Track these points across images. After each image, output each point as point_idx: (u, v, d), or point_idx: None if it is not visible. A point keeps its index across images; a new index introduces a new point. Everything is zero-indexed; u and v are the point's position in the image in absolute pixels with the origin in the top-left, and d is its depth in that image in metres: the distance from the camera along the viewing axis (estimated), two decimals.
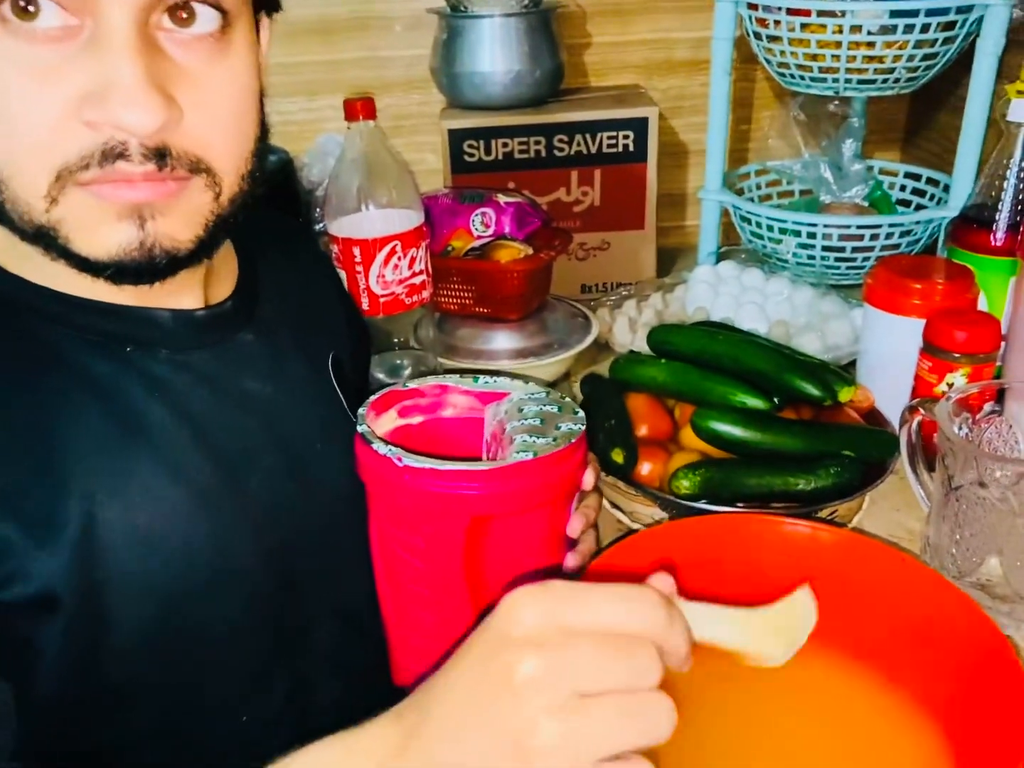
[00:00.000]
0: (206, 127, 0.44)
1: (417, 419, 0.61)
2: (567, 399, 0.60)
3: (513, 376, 0.63)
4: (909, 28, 0.95)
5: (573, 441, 0.53)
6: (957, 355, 0.74)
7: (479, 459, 0.60)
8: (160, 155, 0.42)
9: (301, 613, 0.56)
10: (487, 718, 0.34)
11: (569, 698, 0.33)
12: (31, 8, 0.38)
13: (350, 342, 0.71)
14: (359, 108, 0.80)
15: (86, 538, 0.45)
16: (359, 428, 0.54)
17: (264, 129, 0.51)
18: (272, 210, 0.66)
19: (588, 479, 0.56)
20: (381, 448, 0.51)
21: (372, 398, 0.58)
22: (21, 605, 0.43)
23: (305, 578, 0.56)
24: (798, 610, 0.47)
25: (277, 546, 0.54)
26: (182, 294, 0.52)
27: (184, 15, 0.42)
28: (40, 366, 0.46)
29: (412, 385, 0.60)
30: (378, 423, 0.58)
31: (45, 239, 0.43)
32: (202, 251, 0.47)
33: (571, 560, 0.57)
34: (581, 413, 0.57)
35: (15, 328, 0.47)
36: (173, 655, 0.49)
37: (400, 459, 0.49)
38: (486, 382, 0.61)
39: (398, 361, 0.91)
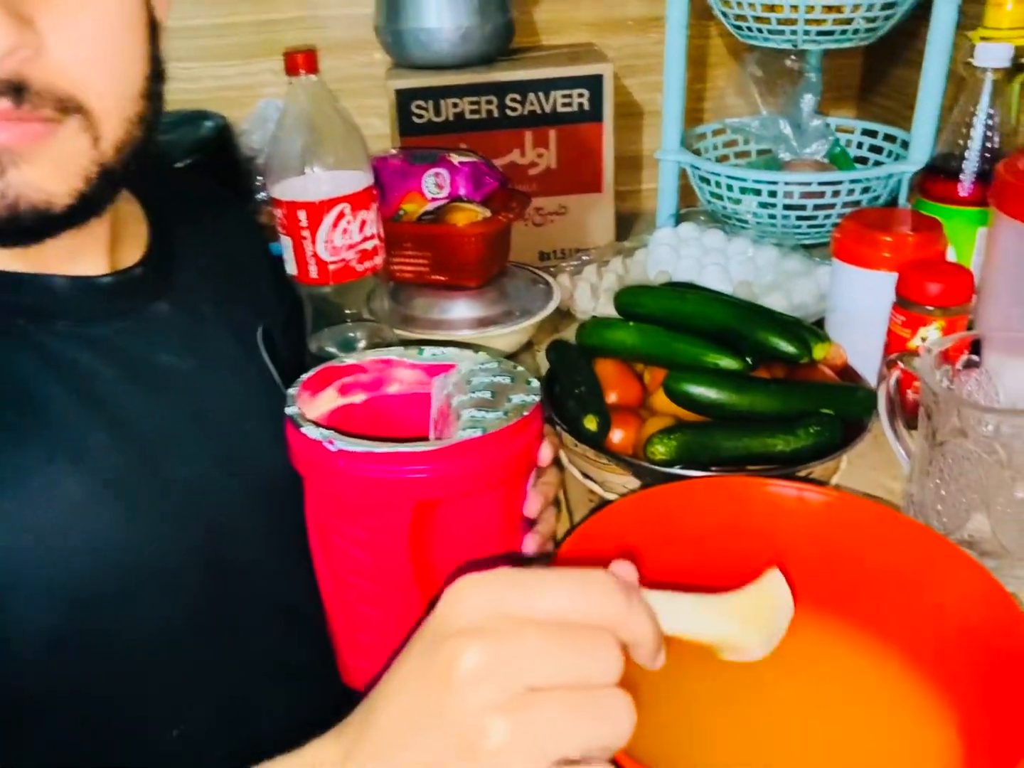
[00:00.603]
0: (75, 58, 0.38)
1: (359, 397, 0.56)
2: (520, 368, 0.56)
3: (463, 346, 0.59)
4: None
5: (526, 414, 0.49)
6: (931, 308, 0.73)
7: (426, 438, 0.56)
8: (16, 89, 0.37)
9: (235, 613, 0.51)
10: (431, 721, 0.31)
11: (517, 692, 0.30)
12: None
13: (281, 314, 0.66)
14: (300, 61, 0.74)
15: None
16: (287, 410, 0.48)
17: (157, 68, 0.44)
18: (203, 177, 0.61)
19: (545, 454, 0.52)
20: (311, 432, 0.46)
21: (305, 376, 0.53)
22: None
23: (237, 574, 0.51)
24: (772, 596, 0.45)
25: (202, 538, 0.49)
26: (82, 258, 0.47)
27: None
28: None
29: (351, 360, 0.56)
30: (314, 404, 0.53)
31: None
32: (86, 208, 0.42)
33: (530, 543, 0.53)
34: (535, 383, 0.53)
35: None
36: (88, 665, 0.44)
37: (332, 442, 0.44)
38: (433, 354, 0.57)
39: (351, 334, 0.86)
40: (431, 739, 0.31)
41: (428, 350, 0.57)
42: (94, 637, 0.44)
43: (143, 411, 0.47)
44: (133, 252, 0.51)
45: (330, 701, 0.55)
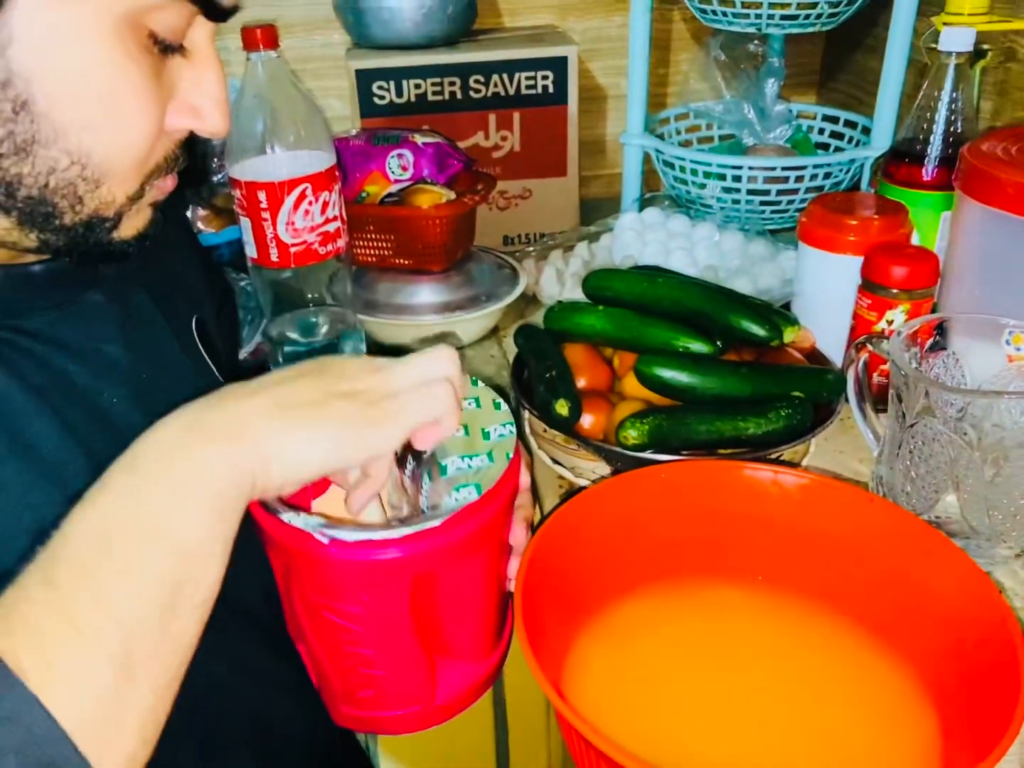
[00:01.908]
0: None
1: None
2: (479, 384, 0.54)
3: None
4: None
5: (512, 456, 0.48)
6: (896, 291, 0.73)
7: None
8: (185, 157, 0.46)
9: None
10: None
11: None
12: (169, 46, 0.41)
13: (212, 304, 0.65)
14: (259, 37, 0.72)
15: None
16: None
17: None
18: None
19: (525, 478, 0.52)
20: (295, 520, 0.43)
21: None
22: None
23: None
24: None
25: None
26: (13, 251, 0.45)
27: None
28: None
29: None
30: None
31: (92, 230, 0.42)
32: None
33: (512, 566, 0.51)
34: (503, 404, 0.52)
35: None
36: None
37: (323, 533, 0.42)
38: None
39: (313, 319, 0.84)
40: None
41: None
42: None
43: (87, 399, 0.46)
44: None
45: (293, 699, 0.53)
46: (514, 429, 0.49)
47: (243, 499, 0.38)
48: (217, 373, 0.58)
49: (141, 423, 0.47)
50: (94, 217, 0.42)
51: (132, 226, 0.45)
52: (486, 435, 0.49)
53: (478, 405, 0.52)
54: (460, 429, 0.50)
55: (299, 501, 0.47)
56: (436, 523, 0.43)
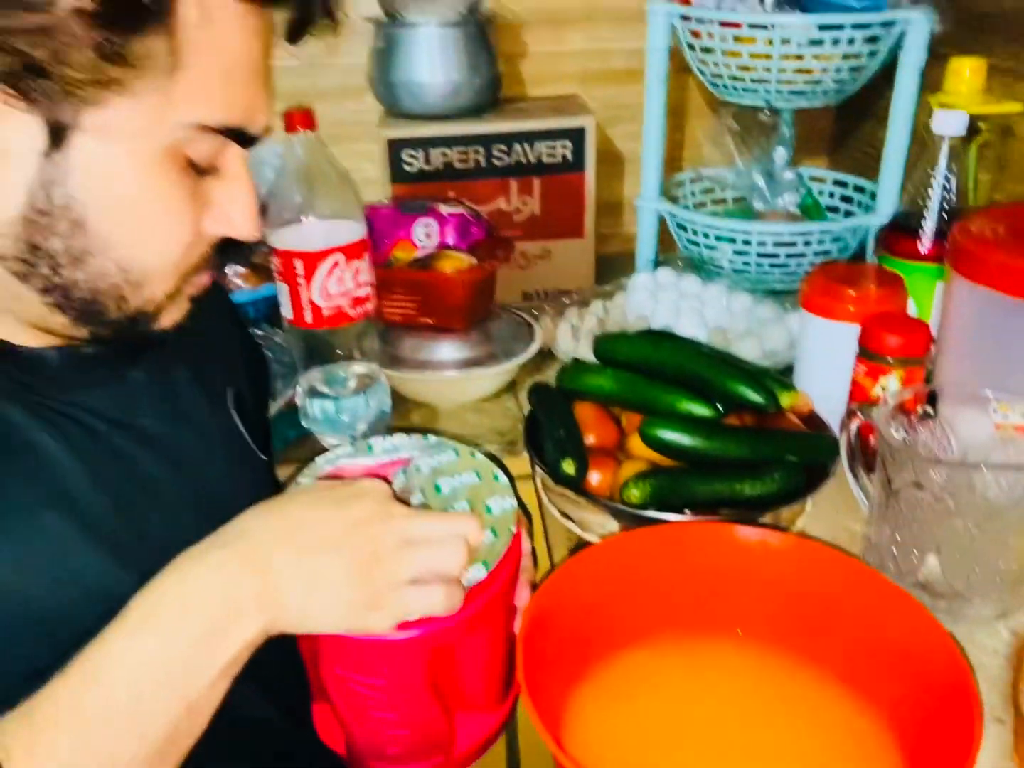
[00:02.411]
0: None
1: None
2: (477, 454, 0.59)
3: (407, 432, 0.62)
4: (836, 41, 0.98)
5: (514, 530, 0.52)
6: (891, 359, 0.77)
7: None
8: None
9: None
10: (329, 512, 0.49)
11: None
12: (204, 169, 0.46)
13: (248, 374, 0.69)
14: (297, 119, 0.79)
15: None
16: None
17: None
18: None
19: (526, 545, 0.57)
20: None
21: None
22: None
23: None
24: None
25: None
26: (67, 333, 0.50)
27: None
28: None
29: (303, 480, 0.57)
30: None
31: (136, 323, 0.47)
32: None
33: (518, 622, 0.55)
34: (502, 477, 0.56)
35: None
36: None
37: None
38: (384, 448, 0.59)
39: (342, 373, 0.90)
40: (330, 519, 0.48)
41: (378, 445, 0.60)
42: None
43: (129, 466, 0.51)
44: None
45: (292, 748, 0.57)
46: (514, 502, 0.53)
47: (255, 647, 0.45)
48: (251, 442, 0.62)
49: (180, 492, 0.53)
50: (138, 313, 0.47)
51: (170, 317, 0.50)
52: (488, 510, 0.53)
53: (479, 478, 0.56)
54: (466, 504, 0.54)
55: None
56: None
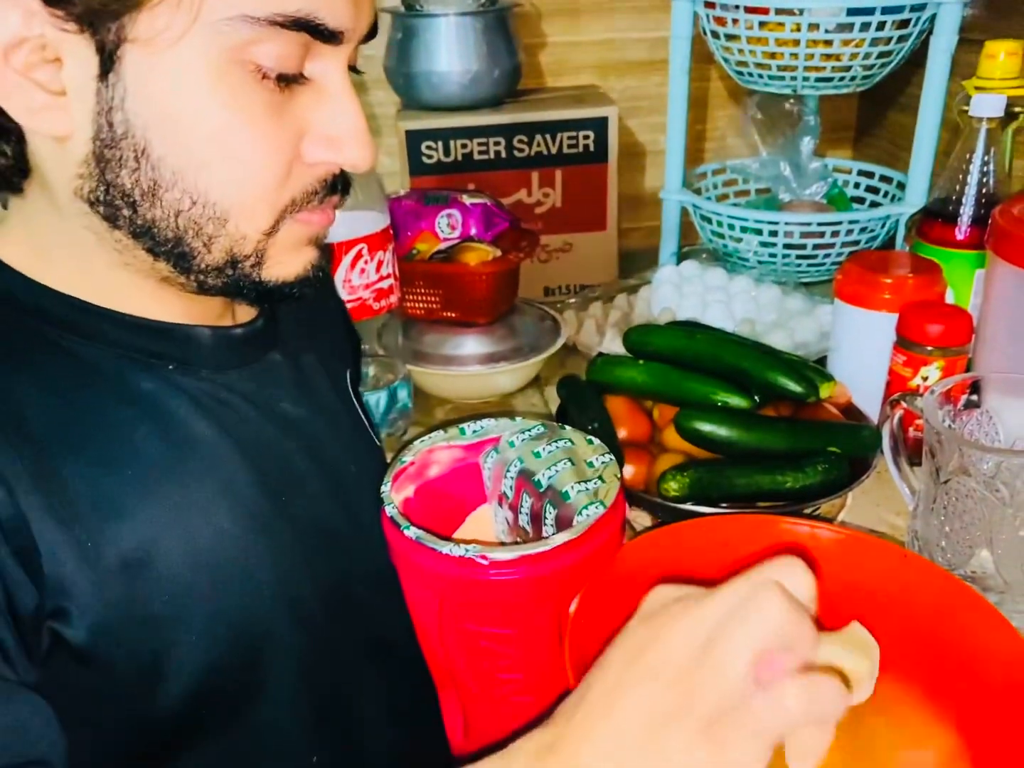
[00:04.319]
0: None
1: (410, 490, 0.58)
2: (565, 427, 0.59)
3: (495, 416, 0.62)
4: (865, 26, 0.95)
5: (618, 476, 0.53)
6: (931, 348, 0.75)
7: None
8: (347, 186, 0.46)
9: (353, 648, 0.53)
10: (648, 673, 0.33)
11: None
12: (284, 77, 0.40)
13: (354, 358, 0.69)
14: None
15: (146, 566, 0.42)
16: (409, 532, 0.48)
17: None
18: None
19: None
20: (455, 550, 0.47)
21: (384, 487, 0.54)
22: (68, 634, 0.40)
23: (353, 610, 0.53)
24: (860, 635, 0.44)
25: (328, 573, 0.51)
26: (219, 312, 0.50)
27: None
28: (79, 383, 0.43)
29: (407, 458, 0.57)
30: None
31: (236, 267, 0.43)
32: None
33: None
34: (595, 440, 0.57)
35: (43, 340, 0.43)
36: (234, 694, 0.45)
37: (484, 557, 0.46)
38: (474, 431, 0.59)
39: (364, 369, 0.88)
40: (649, 688, 0.32)
41: (468, 428, 0.59)
42: (240, 666, 0.45)
43: (274, 453, 0.50)
44: (247, 307, 0.53)
45: (429, 735, 0.56)
46: (613, 457, 0.54)
47: None
48: (367, 424, 0.61)
49: (315, 474, 0.52)
50: (233, 255, 0.43)
51: (285, 268, 0.45)
52: (590, 464, 0.54)
53: (573, 443, 0.56)
54: (568, 463, 0.54)
55: (443, 532, 0.51)
56: (577, 534, 0.47)
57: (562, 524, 0.51)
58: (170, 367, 0.46)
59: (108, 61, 0.37)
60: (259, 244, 0.43)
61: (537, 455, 0.56)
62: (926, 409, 0.62)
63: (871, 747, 0.49)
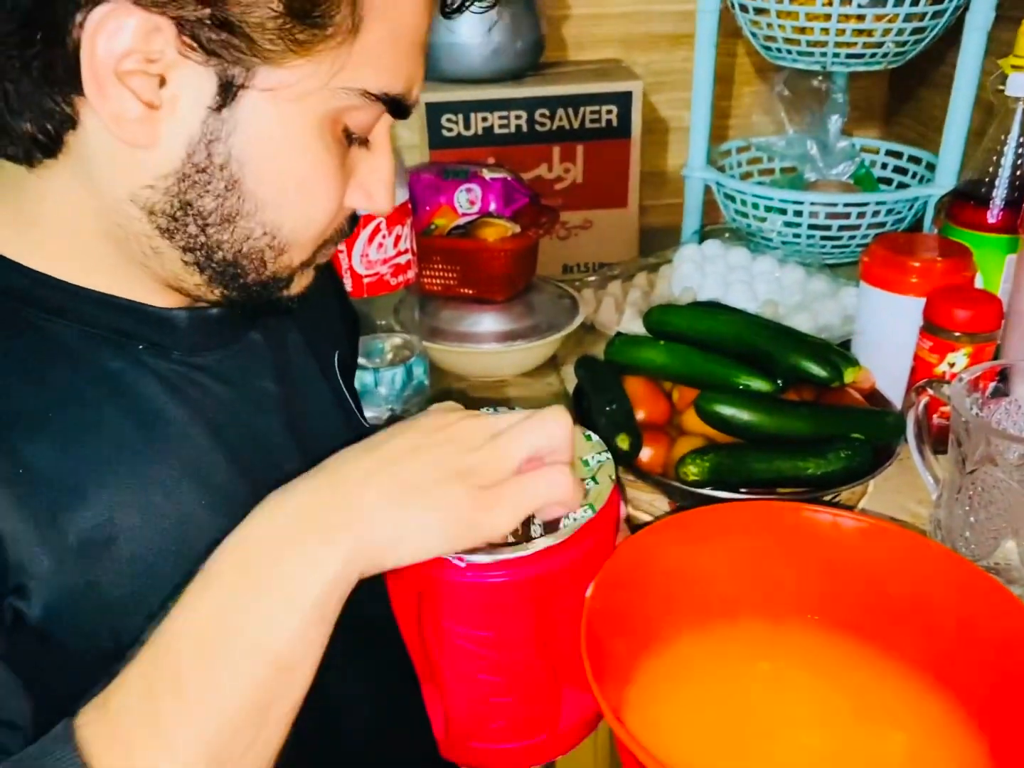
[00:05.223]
0: None
1: None
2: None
3: (494, 406, 0.60)
4: (899, 1, 0.93)
5: (613, 478, 0.51)
6: (959, 334, 0.73)
7: None
8: (356, 223, 0.52)
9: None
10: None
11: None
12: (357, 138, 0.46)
13: (348, 338, 0.68)
14: None
15: (106, 547, 0.42)
16: None
17: None
18: None
19: (622, 508, 0.55)
20: None
21: None
22: (25, 614, 0.41)
23: None
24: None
25: None
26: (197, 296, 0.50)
27: None
28: (44, 359, 0.43)
29: None
30: None
31: (267, 288, 0.47)
32: None
33: None
34: (592, 435, 0.54)
35: (12, 318, 0.43)
36: None
37: (461, 559, 0.44)
38: None
39: (380, 345, 0.87)
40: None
41: None
42: None
43: (249, 433, 0.50)
44: None
45: (409, 717, 0.56)
46: (609, 456, 0.52)
47: (347, 592, 0.40)
48: (354, 406, 0.62)
49: (294, 453, 0.52)
50: (273, 278, 0.46)
51: (299, 285, 0.49)
52: (585, 463, 0.52)
53: None
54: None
55: None
56: (562, 539, 0.45)
57: (551, 526, 0.49)
58: (140, 347, 0.46)
59: (227, 97, 0.39)
60: (294, 271, 0.47)
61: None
62: (953, 397, 0.61)
63: (880, 728, 0.48)
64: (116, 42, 0.36)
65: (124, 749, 0.36)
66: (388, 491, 0.40)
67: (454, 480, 0.41)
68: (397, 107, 0.44)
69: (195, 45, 0.37)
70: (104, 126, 0.39)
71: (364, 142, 0.46)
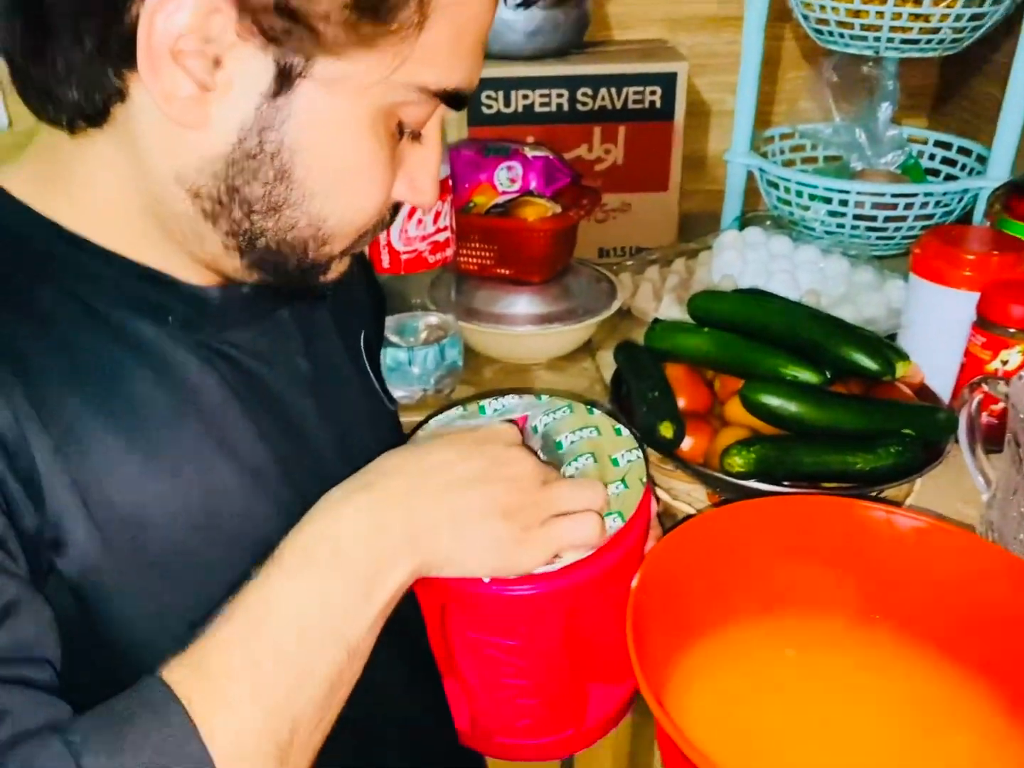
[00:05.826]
0: None
1: None
2: (594, 410, 0.56)
3: (518, 392, 0.59)
4: None
5: (645, 481, 0.49)
6: (1014, 331, 0.71)
7: None
8: (397, 214, 0.51)
9: None
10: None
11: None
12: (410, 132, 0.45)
13: (374, 317, 0.68)
14: None
15: (137, 518, 0.41)
16: None
17: None
18: None
19: (655, 505, 0.55)
20: None
21: None
22: (60, 574, 0.40)
23: None
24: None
25: None
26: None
27: None
28: (73, 320, 0.42)
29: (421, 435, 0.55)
30: None
31: (306, 274, 0.46)
32: None
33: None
34: (623, 430, 0.53)
35: (42, 276, 0.42)
36: None
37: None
38: (495, 410, 0.56)
39: (414, 324, 0.86)
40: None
41: (489, 405, 0.56)
42: None
43: (280, 407, 0.50)
44: None
45: (437, 708, 0.55)
46: (641, 454, 0.50)
47: (402, 594, 0.43)
48: (378, 387, 0.61)
49: (324, 433, 0.52)
50: (312, 266, 0.46)
51: (335, 271, 0.48)
52: (615, 462, 0.50)
53: (599, 433, 0.53)
54: (591, 458, 0.51)
55: None
56: (589, 553, 0.45)
57: None
58: (169, 319, 0.46)
59: (284, 85, 0.39)
60: (333, 259, 0.46)
61: (559, 446, 0.52)
62: (1013, 394, 0.59)
63: (927, 727, 0.47)
64: (174, 21, 0.36)
65: (228, 711, 0.36)
66: (454, 515, 0.45)
67: (505, 517, 0.45)
68: (455, 99, 0.44)
69: (255, 30, 0.37)
70: (154, 103, 0.38)
71: (416, 135, 0.46)
